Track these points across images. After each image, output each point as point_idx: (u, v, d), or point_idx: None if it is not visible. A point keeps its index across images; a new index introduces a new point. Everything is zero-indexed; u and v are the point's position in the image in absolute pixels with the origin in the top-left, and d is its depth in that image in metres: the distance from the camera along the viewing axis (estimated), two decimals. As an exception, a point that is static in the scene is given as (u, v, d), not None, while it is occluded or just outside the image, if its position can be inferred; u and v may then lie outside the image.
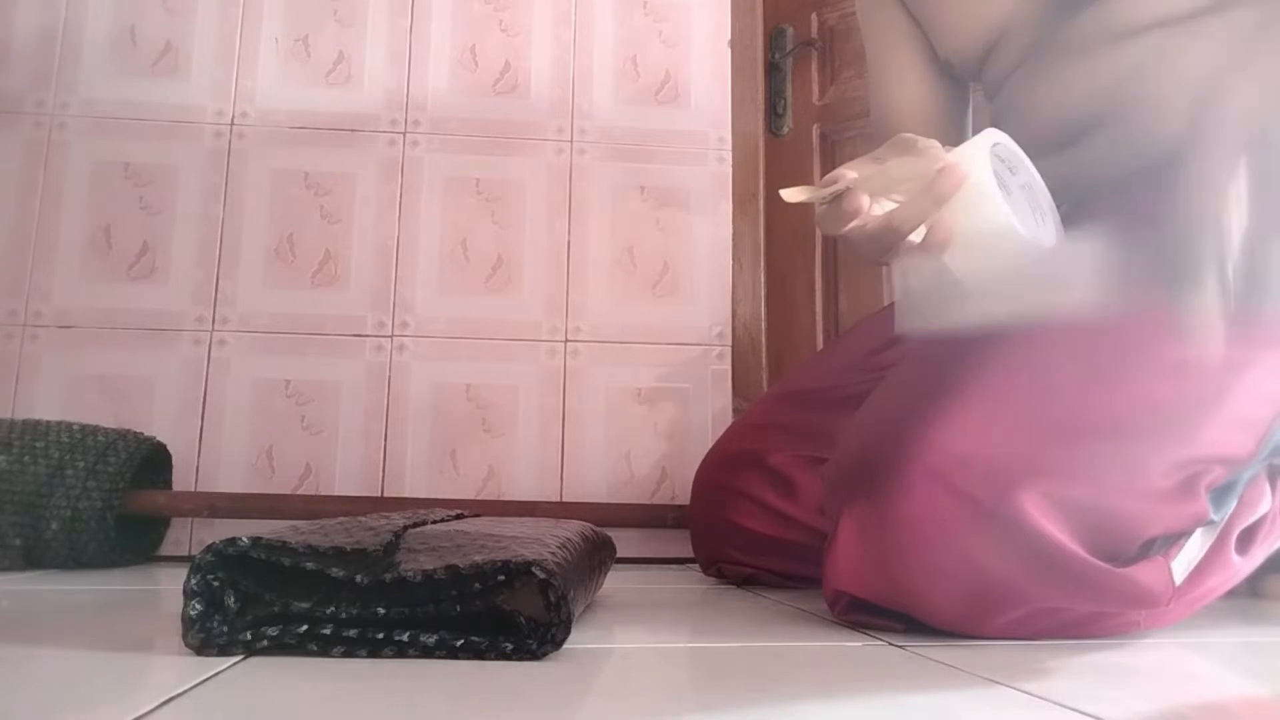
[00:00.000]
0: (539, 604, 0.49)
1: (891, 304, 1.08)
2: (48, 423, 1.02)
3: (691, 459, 1.18)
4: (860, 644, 0.57)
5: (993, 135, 0.72)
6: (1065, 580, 0.56)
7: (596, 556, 0.68)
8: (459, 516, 0.74)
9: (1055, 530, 0.55)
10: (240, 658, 0.47)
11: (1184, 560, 0.59)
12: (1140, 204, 0.70)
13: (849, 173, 0.69)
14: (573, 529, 0.68)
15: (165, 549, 1.14)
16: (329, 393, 1.20)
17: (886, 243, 0.69)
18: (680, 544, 1.14)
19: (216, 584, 0.48)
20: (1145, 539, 0.59)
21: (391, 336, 1.22)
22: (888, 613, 0.61)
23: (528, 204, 1.27)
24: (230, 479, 1.17)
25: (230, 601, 0.49)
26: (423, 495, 1.18)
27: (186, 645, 0.47)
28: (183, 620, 0.47)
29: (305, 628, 0.48)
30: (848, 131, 1.44)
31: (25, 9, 1.23)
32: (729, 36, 1.34)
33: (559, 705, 0.40)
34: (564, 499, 1.21)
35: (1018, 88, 0.84)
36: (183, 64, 1.24)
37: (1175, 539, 0.59)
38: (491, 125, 1.28)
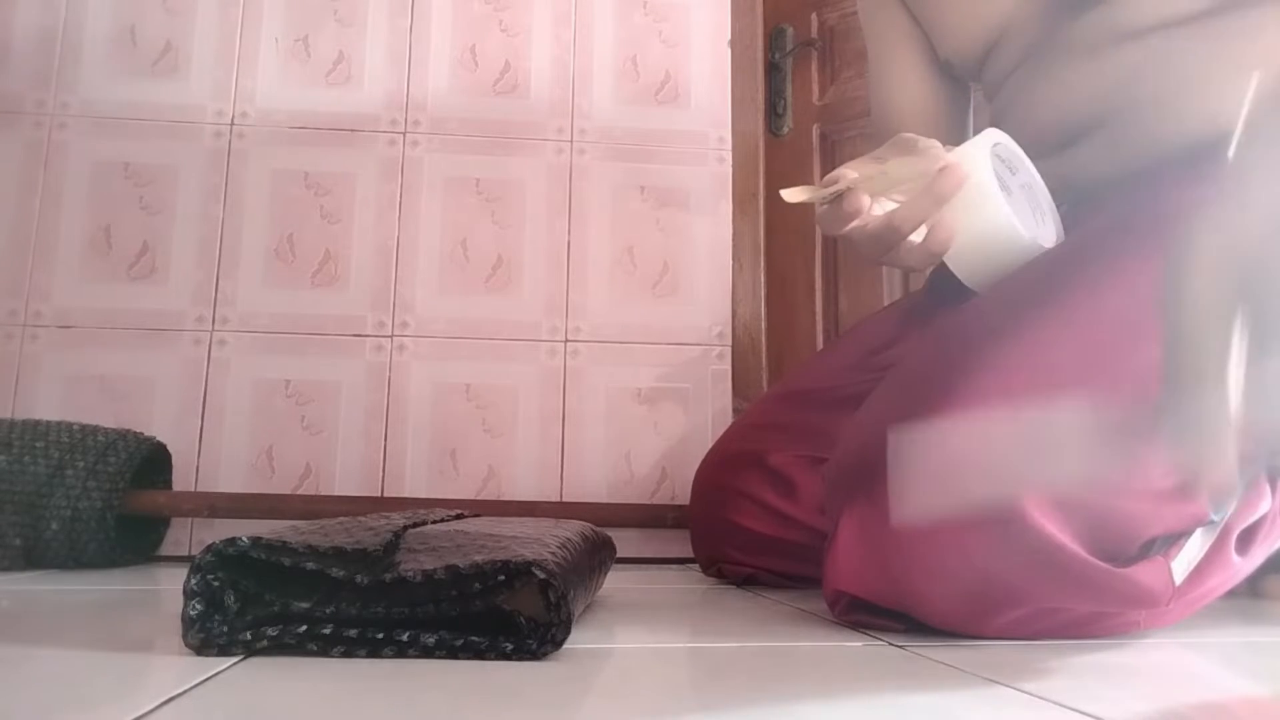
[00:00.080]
0: (539, 604, 0.49)
1: (892, 304, 1.09)
2: (48, 423, 1.02)
3: (691, 459, 1.18)
4: (860, 644, 0.57)
5: (993, 135, 0.72)
6: (1065, 580, 0.56)
7: (596, 556, 0.68)
8: (459, 516, 0.74)
9: (1055, 530, 0.55)
10: (240, 658, 0.47)
11: (1184, 560, 0.59)
12: (1140, 205, 0.70)
13: (849, 173, 0.69)
14: (573, 529, 0.68)
15: (165, 549, 1.14)
16: (329, 393, 1.20)
17: (887, 242, 0.69)
18: (680, 544, 1.14)
19: (216, 584, 0.48)
20: (1145, 539, 0.59)
21: (391, 336, 1.22)
22: (888, 613, 0.61)
23: (528, 204, 1.27)
24: (230, 479, 1.17)
25: (230, 601, 0.49)
26: (423, 495, 1.18)
27: (186, 645, 0.47)
28: (183, 620, 0.47)
29: (305, 628, 0.48)
30: (848, 131, 1.44)
31: (25, 9, 1.23)
32: (729, 36, 1.34)
33: (559, 705, 0.40)
34: (564, 499, 1.21)
35: (1018, 88, 0.84)
36: (183, 64, 1.24)
37: (1175, 539, 0.59)
38: (491, 125, 1.28)
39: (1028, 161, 0.76)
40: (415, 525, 0.61)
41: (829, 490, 0.65)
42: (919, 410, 0.60)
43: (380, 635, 0.48)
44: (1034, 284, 0.66)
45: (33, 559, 0.96)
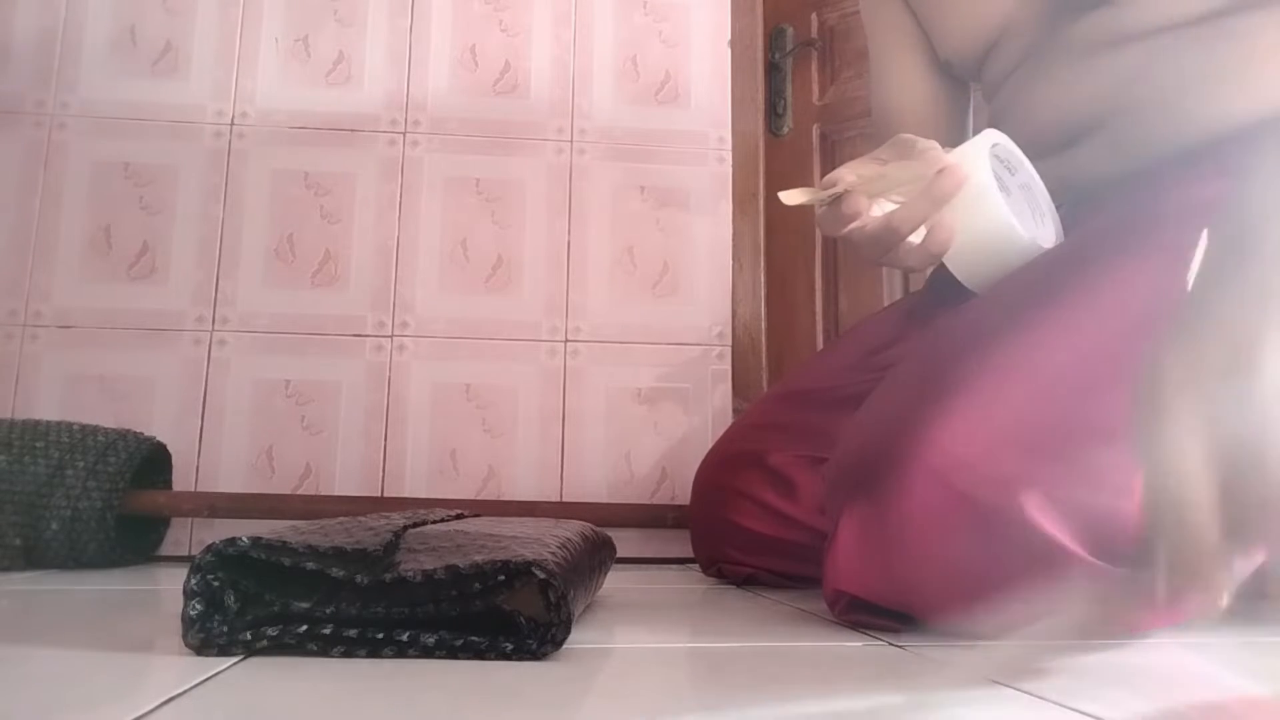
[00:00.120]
0: (539, 604, 0.49)
1: (892, 304, 1.09)
2: (48, 423, 1.03)
3: (691, 459, 1.18)
4: (860, 644, 0.57)
5: (992, 136, 0.72)
6: (1065, 580, 0.56)
7: (596, 556, 0.68)
8: (459, 516, 0.74)
9: (1055, 530, 0.55)
10: (240, 658, 0.47)
11: (1184, 560, 0.59)
12: (1140, 205, 0.70)
13: (848, 175, 0.69)
14: (573, 529, 0.68)
15: (165, 549, 1.14)
16: (329, 393, 1.20)
17: (886, 243, 0.69)
18: (680, 544, 1.14)
19: (216, 584, 0.48)
20: (1145, 539, 0.59)
21: (391, 336, 1.22)
22: (888, 613, 0.61)
23: (528, 204, 1.27)
24: (230, 479, 1.17)
25: (230, 601, 0.49)
26: (423, 495, 1.18)
27: (186, 645, 0.47)
28: (183, 620, 0.47)
29: (305, 628, 0.48)
30: (848, 131, 1.44)
31: (25, 9, 1.23)
32: (729, 36, 1.34)
33: (559, 705, 0.40)
34: (564, 499, 1.21)
35: (1017, 88, 0.85)
36: (183, 64, 1.24)
37: (1175, 539, 0.59)
38: (491, 125, 1.28)
39: (1027, 162, 0.76)
40: (415, 525, 0.61)
41: (829, 490, 0.65)
42: (919, 410, 0.60)
43: (380, 635, 0.48)
44: (1034, 284, 0.66)
45: (33, 559, 0.96)
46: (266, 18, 1.26)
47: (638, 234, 1.28)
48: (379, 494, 1.18)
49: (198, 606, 0.48)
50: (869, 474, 0.60)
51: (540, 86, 1.30)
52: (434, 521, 0.66)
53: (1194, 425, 0.38)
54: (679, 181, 1.30)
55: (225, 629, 0.48)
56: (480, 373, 1.23)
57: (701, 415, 1.25)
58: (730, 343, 1.28)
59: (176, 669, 0.44)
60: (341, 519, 0.60)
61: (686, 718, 0.39)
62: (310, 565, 0.49)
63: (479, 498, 1.20)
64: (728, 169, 1.31)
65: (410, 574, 0.49)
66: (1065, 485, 0.56)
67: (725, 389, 1.27)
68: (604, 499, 1.21)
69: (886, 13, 0.98)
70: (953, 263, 0.71)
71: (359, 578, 0.48)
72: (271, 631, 0.48)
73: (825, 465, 0.68)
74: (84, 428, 1.03)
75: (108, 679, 0.43)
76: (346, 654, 0.48)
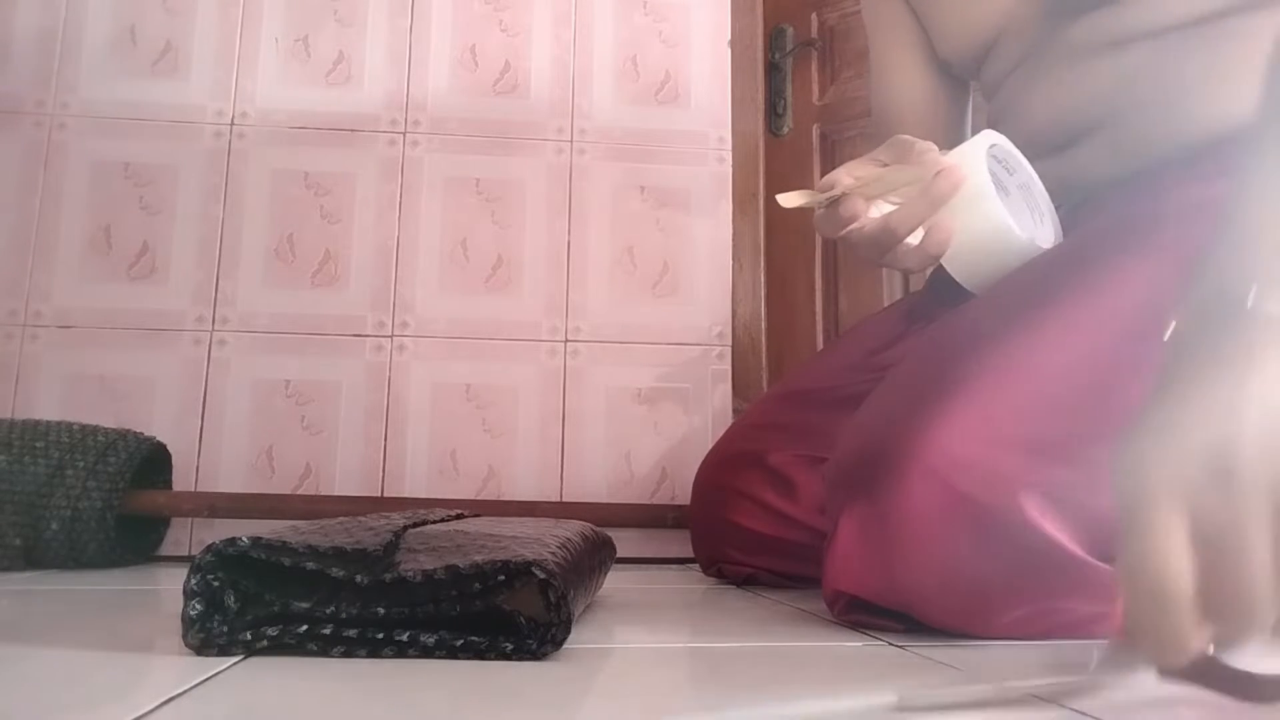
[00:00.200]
0: (539, 604, 0.49)
1: (892, 304, 1.09)
2: (48, 423, 1.03)
3: (691, 459, 1.18)
4: (860, 644, 0.57)
5: (990, 136, 0.72)
6: (1064, 580, 0.56)
7: (596, 556, 0.68)
8: (459, 516, 0.74)
9: (1055, 530, 0.55)
10: (240, 658, 0.47)
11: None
12: (1140, 205, 0.70)
13: (846, 177, 0.69)
14: (573, 529, 0.68)
15: (165, 549, 1.14)
16: (329, 393, 1.20)
17: (885, 245, 0.69)
18: (680, 544, 1.14)
19: (216, 584, 0.48)
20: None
21: (391, 336, 1.22)
22: (888, 613, 0.61)
23: (528, 204, 1.27)
24: (230, 479, 1.17)
25: (230, 601, 0.49)
26: (423, 495, 1.18)
27: (186, 645, 0.47)
28: (183, 620, 0.47)
29: (305, 628, 0.48)
30: (848, 131, 1.44)
31: (25, 9, 1.23)
32: (729, 36, 1.34)
33: (559, 705, 0.40)
34: (564, 499, 1.21)
35: (1016, 88, 0.85)
36: (183, 64, 1.24)
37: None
38: (491, 125, 1.28)
39: (1025, 162, 0.76)
40: (415, 525, 0.61)
41: (829, 490, 0.65)
42: (918, 410, 0.60)
43: (380, 635, 0.48)
44: (1033, 284, 0.66)
45: (33, 559, 0.96)
46: (266, 18, 1.26)
47: (638, 234, 1.28)
48: (379, 494, 1.18)
49: (198, 606, 0.48)
50: (868, 474, 0.60)
51: (540, 86, 1.30)
52: (434, 521, 0.66)
53: (1174, 507, 0.38)
54: (679, 181, 1.30)
55: (225, 629, 0.48)
56: (480, 373, 1.23)
57: (701, 415, 1.25)
58: (730, 343, 1.28)
59: (176, 669, 0.45)
60: (341, 519, 0.60)
61: (686, 718, 0.39)
62: (310, 565, 0.49)
63: (479, 498, 1.20)
64: (728, 169, 1.31)
65: (410, 574, 0.49)
66: (1065, 485, 0.56)
67: (725, 389, 1.27)
68: (604, 499, 1.21)
69: (887, 11, 0.98)
70: (951, 264, 0.72)
71: (359, 578, 0.48)
72: (271, 631, 0.48)
73: (825, 465, 0.68)
74: (84, 428, 1.03)
75: (108, 679, 0.43)
76: (346, 654, 0.48)
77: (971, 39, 0.88)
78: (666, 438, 1.24)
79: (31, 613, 0.66)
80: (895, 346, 0.92)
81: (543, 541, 0.56)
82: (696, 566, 1.02)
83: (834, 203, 0.69)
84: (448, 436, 1.21)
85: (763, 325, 1.35)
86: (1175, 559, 0.38)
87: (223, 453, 1.17)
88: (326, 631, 0.48)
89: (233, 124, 1.24)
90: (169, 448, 1.12)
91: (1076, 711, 0.40)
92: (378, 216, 1.24)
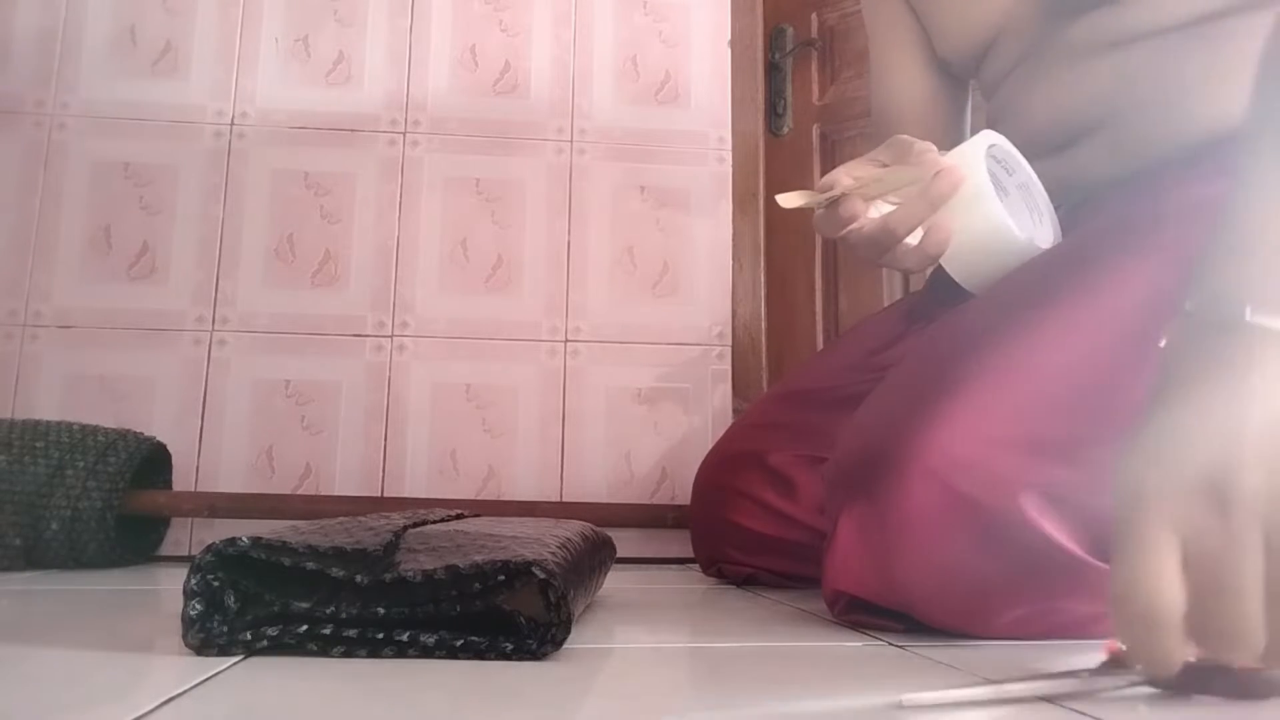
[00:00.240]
0: (539, 604, 0.49)
1: (892, 304, 1.09)
2: (48, 423, 1.03)
3: (691, 459, 1.18)
4: (860, 644, 0.57)
5: (989, 136, 0.72)
6: (1065, 580, 0.56)
7: (596, 556, 0.68)
8: (459, 516, 0.74)
9: (1055, 530, 0.55)
10: (240, 658, 0.47)
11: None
12: (1140, 205, 0.70)
13: (845, 178, 0.69)
14: (573, 529, 0.68)
15: (165, 549, 1.14)
16: (329, 393, 1.20)
17: (884, 245, 0.69)
18: (680, 544, 1.14)
19: (216, 584, 0.48)
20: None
21: (391, 336, 1.22)
22: (888, 613, 0.61)
23: (528, 204, 1.27)
24: (230, 479, 1.17)
25: (230, 601, 0.49)
26: (423, 495, 1.18)
27: (186, 645, 0.47)
28: (183, 620, 0.47)
29: (305, 628, 0.48)
30: (848, 131, 1.44)
31: (25, 9, 1.23)
32: (729, 36, 1.34)
33: (559, 705, 0.40)
34: (564, 499, 1.21)
35: (1016, 88, 0.84)
36: (183, 64, 1.24)
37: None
38: (491, 125, 1.28)
39: (1024, 162, 0.76)
40: (415, 525, 0.61)
41: (829, 490, 0.65)
42: (918, 411, 0.60)
43: (380, 635, 0.48)
44: (1032, 285, 0.66)
45: (33, 559, 0.96)
46: (266, 18, 1.26)
47: (638, 234, 1.28)
48: (379, 494, 1.18)
49: (198, 606, 0.48)
50: (868, 474, 0.60)
51: (540, 86, 1.30)
52: (434, 521, 0.66)
53: (1167, 532, 0.38)
54: (679, 181, 1.30)
55: (225, 629, 0.48)
56: (480, 373, 1.23)
57: (701, 415, 1.25)
58: (730, 343, 1.28)
59: (176, 669, 0.45)
60: (341, 519, 0.60)
61: (686, 718, 0.39)
62: (310, 565, 0.49)
63: (479, 498, 1.20)
64: (728, 169, 1.31)
65: (410, 574, 0.49)
66: (1064, 486, 0.56)
67: (725, 389, 1.27)
68: (604, 499, 1.21)
69: (887, 11, 0.98)
70: (950, 264, 0.72)
71: (359, 578, 0.48)
72: (271, 631, 0.48)
73: (825, 465, 0.68)
74: (84, 428, 1.03)
75: (108, 679, 0.43)
76: (346, 654, 0.48)
77: (971, 38, 0.88)
78: (666, 438, 1.24)
79: (31, 613, 0.66)
80: (895, 346, 0.92)
81: (543, 541, 0.56)
82: (696, 566, 1.02)
83: (833, 203, 0.69)
84: (448, 436, 1.21)
85: (763, 325, 1.35)
86: (1167, 584, 0.38)
87: (223, 453, 1.17)
88: (326, 631, 0.48)
89: (233, 124, 1.24)
90: (169, 448, 1.12)
91: (1076, 711, 0.40)
92: (378, 216, 1.24)
